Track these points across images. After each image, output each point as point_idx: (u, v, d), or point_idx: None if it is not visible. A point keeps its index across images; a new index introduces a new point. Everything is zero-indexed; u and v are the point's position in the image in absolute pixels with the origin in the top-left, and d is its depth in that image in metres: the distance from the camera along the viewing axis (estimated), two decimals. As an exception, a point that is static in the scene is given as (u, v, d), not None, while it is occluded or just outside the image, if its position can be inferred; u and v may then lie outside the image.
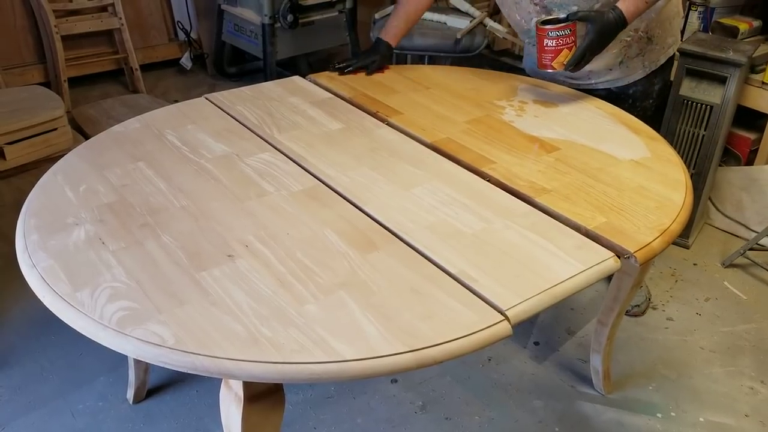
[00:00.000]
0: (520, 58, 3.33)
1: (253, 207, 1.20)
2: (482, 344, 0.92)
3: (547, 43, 1.52)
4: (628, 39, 1.68)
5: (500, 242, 1.11)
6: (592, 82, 1.77)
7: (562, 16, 1.52)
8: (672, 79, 1.87)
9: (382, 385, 1.77)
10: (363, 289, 0.99)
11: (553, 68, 1.54)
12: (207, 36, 3.68)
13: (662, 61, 1.75)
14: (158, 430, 1.63)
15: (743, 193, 2.42)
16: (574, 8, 1.58)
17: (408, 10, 1.85)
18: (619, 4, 1.50)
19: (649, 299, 2.03)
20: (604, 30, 1.49)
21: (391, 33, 1.85)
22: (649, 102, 1.79)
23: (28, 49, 3.26)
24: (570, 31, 1.50)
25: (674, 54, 1.80)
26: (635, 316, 2.01)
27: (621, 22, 1.50)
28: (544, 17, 1.54)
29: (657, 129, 1.71)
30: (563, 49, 1.51)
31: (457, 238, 1.12)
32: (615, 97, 1.72)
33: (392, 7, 2.83)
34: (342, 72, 1.81)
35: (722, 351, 1.93)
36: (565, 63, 1.52)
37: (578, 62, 1.51)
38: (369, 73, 1.81)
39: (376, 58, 1.83)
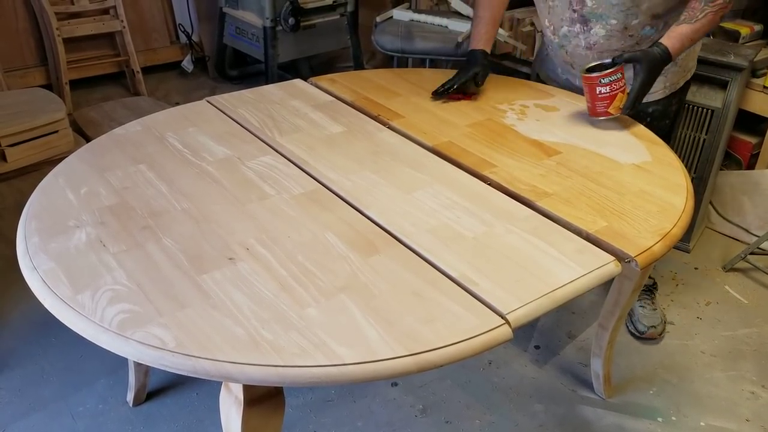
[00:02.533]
0: (521, 61, 3.33)
1: (254, 210, 1.20)
2: (483, 348, 0.91)
3: (600, 91, 1.48)
4: None
5: (501, 246, 1.11)
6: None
7: (607, 61, 1.49)
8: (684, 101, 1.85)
9: (382, 388, 1.77)
10: (364, 292, 0.99)
11: (609, 114, 1.50)
12: (208, 39, 3.69)
13: (681, 84, 1.74)
14: (158, 432, 1.63)
15: (744, 197, 2.42)
16: (613, 21, 1.56)
17: (493, 13, 1.74)
18: (664, 41, 1.47)
19: (665, 322, 2.00)
20: (653, 68, 1.46)
21: (482, 40, 1.73)
22: (665, 122, 1.76)
23: (30, 52, 3.26)
24: (621, 74, 1.46)
25: (691, 79, 1.79)
26: (651, 338, 1.95)
27: (667, 60, 1.47)
28: (588, 65, 1.51)
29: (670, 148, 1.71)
30: (617, 93, 1.47)
31: (458, 242, 1.12)
32: (634, 115, 1.69)
33: (394, 10, 2.84)
34: (447, 93, 1.67)
35: (723, 355, 1.93)
36: (621, 107, 1.49)
37: (634, 105, 1.48)
38: (479, 85, 1.70)
39: (479, 69, 1.69)
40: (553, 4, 1.67)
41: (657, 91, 1.70)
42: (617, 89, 1.47)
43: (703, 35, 1.52)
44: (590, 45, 1.64)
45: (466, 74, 1.69)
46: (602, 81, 1.47)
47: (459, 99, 1.70)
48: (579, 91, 1.75)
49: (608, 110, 1.50)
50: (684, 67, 1.72)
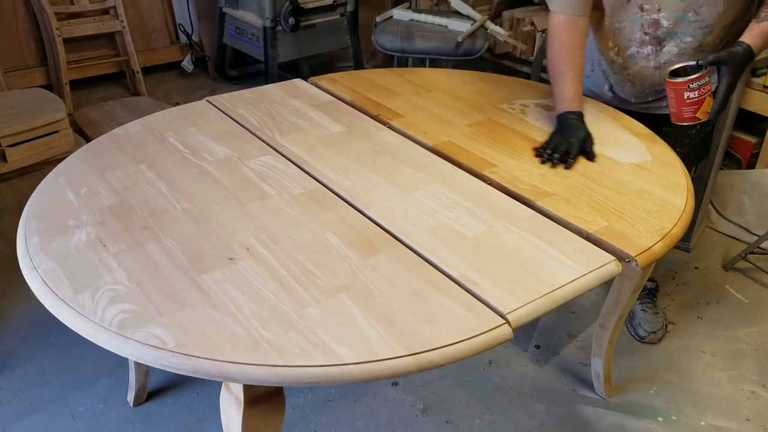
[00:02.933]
0: (521, 61, 3.33)
1: (254, 210, 1.20)
2: (483, 348, 0.92)
3: (688, 96, 1.41)
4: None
5: (501, 246, 1.11)
6: (663, 105, 1.66)
7: (692, 63, 1.41)
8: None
9: (382, 388, 1.77)
10: (364, 292, 0.99)
11: (697, 120, 1.44)
12: (208, 39, 3.69)
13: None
14: (159, 432, 1.63)
15: (744, 196, 2.42)
16: (689, 38, 1.51)
17: (575, 68, 1.53)
18: (746, 39, 1.43)
19: (666, 326, 2.00)
20: (738, 69, 1.42)
21: (576, 101, 1.52)
22: (708, 128, 1.73)
23: (30, 52, 3.26)
24: (708, 78, 1.41)
25: None
26: (652, 343, 1.95)
27: (750, 58, 1.42)
28: (671, 68, 1.44)
29: (708, 153, 1.69)
30: (705, 98, 1.41)
31: (459, 242, 1.12)
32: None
33: (394, 10, 2.84)
34: (568, 165, 1.39)
35: (723, 355, 1.92)
36: (709, 111, 1.43)
37: (722, 108, 1.43)
38: (592, 159, 1.43)
39: (585, 132, 1.47)
40: (620, 25, 1.58)
41: None
42: (705, 93, 1.41)
43: None
44: (659, 64, 1.57)
45: (578, 139, 1.43)
46: (691, 86, 1.40)
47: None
48: (624, 108, 1.69)
49: (696, 115, 1.43)
50: None
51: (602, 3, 1.56)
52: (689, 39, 1.51)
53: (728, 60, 1.40)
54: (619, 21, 1.57)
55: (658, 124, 1.64)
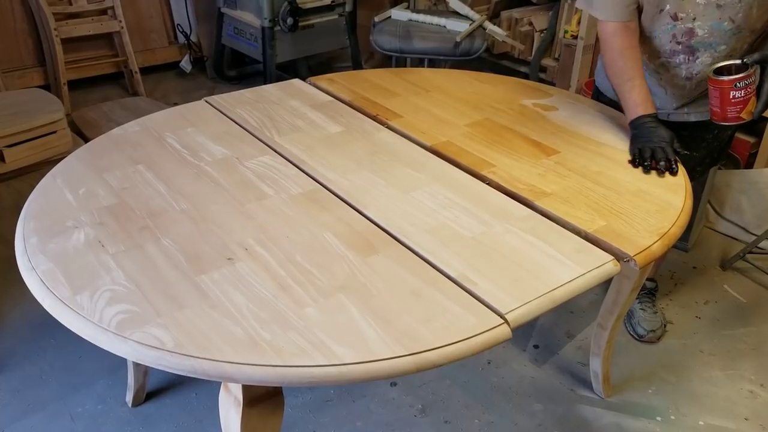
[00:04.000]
0: (519, 61, 3.33)
1: (252, 210, 1.20)
2: (482, 348, 0.92)
3: (734, 95, 1.40)
4: None
5: (500, 246, 1.11)
6: (685, 111, 1.66)
7: (736, 62, 1.40)
8: None
9: (381, 388, 1.77)
10: (362, 292, 0.99)
11: (741, 119, 1.43)
12: (207, 39, 3.69)
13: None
14: (157, 433, 1.63)
15: (742, 196, 2.42)
16: (723, 47, 1.48)
17: (638, 71, 1.50)
18: None
19: (664, 325, 2.00)
20: None
21: (648, 103, 1.49)
22: (727, 133, 1.73)
23: (28, 52, 3.26)
24: (754, 78, 1.39)
25: None
26: (650, 342, 1.96)
27: None
28: (715, 66, 1.42)
29: (723, 157, 1.70)
30: (751, 97, 1.40)
31: (457, 242, 1.12)
32: (704, 126, 1.64)
33: (392, 10, 2.84)
34: (673, 172, 1.37)
35: (722, 354, 1.93)
36: (753, 111, 1.42)
37: (765, 108, 1.41)
38: (680, 152, 1.43)
39: (668, 133, 1.44)
40: (651, 35, 1.55)
41: None
42: (750, 94, 1.40)
43: None
44: (691, 75, 1.56)
45: (668, 142, 1.42)
46: (737, 85, 1.39)
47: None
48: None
49: (740, 115, 1.43)
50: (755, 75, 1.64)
51: (639, 10, 1.52)
52: (723, 47, 1.49)
53: None
54: (651, 31, 1.54)
55: (676, 129, 1.60)
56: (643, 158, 1.39)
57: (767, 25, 1.49)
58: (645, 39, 1.57)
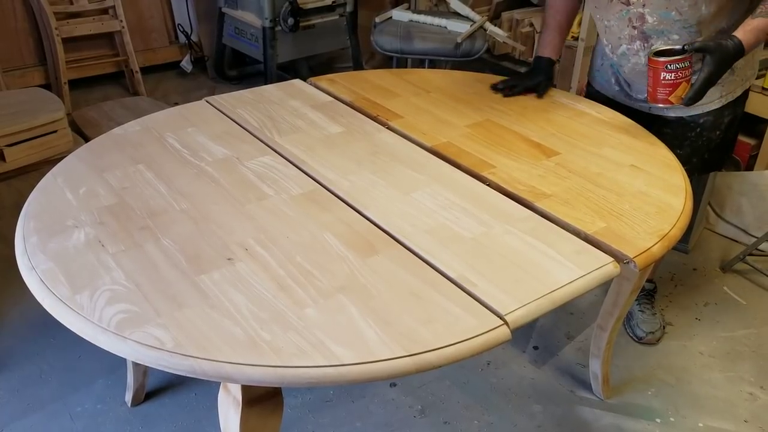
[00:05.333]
0: (520, 62, 3.33)
1: (252, 210, 1.20)
2: (481, 349, 0.92)
3: (664, 77, 1.42)
4: None
5: (500, 247, 1.11)
6: (664, 107, 1.65)
7: (677, 47, 1.42)
8: (742, 113, 1.76)
9: (381, 389, 1.77)
10: (362, 293, 0.99)
11: (669, 103, 1.45)
12: (207, 39, 3.69)
13: (738, 93, 1.67)
14: (157, 433, 1.63)
15: (743, 198, 2.42)
16: (675, 36, 1.51)
17: (560, 20, 1.75)
18: (738, 34, 1.41)
19: (664, 327, 2.00)
20: (723, 61, 1.40)
21: (549, 48, 1.75)
22: (716, 134, 1.70)
23: (29, 51, 3.26)
24: (688, 63, 1.41)
25: (749, 87, 1.72)
26: (649, 344, 1.96)
27: (739, 53, 1.41)
28: (656, 48, 1.45)
29: (721, 161, 1.72)
30: (681, 82, 1.42)
31: (457, 243, 1.12)
32: (684, 124, 1.65)
33: (393, 10, 2.84)
34: (506, 95, 1.72)
35: (721, 356, 1.93)
36: (683, 97, 1.43)
37: (697, 97, 1.42)
38: (541, 95, 1.72)
39: (542, 78, 1.73)
40: (609, 24, 1.61)
41: (713, 101, 1.63)
42: (682, 78, 1.42)
43: None
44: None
45: (531, 81, 1.72)
46: (668, 67, 1.41)
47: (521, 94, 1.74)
48: (629, 104, 1.71)
49: (669, 98, 1.44)
50: (742, 76, 1.65)
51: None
52: (676, 37, 1.52)
53: (714, 50, 1.39)
54: (608, 19, 1.60)
55: (659, 125, 1.63)
56: (505, 82, 1.73)
57: (722, 23, 1.51)
58: (604, 29, 1.65)
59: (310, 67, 3.67)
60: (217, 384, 1.00)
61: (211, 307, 0.95)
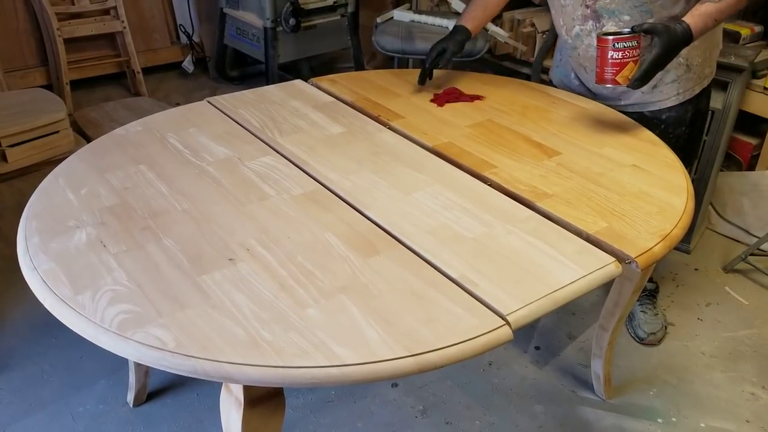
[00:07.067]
0: (521, 62, 3.33)
1: (254, 210, 1.20)
2: (483, 349, 0.91)
3: (612, 56, 1.41)
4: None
5: (501, 247, 1.11)
6: (622, 103, 1.71)
7: (626, 30, 1.42)
8: (708, 108, 1.77)
9: (382, 389, 1.77)
10: (364, 293, 0.99)
11: (616, 83, 1.44)
12: (209, 39, 3.69)
13: (697, 91, 1.69)
14: (158, 433, 1.63)
15: (744, 198, 2.42)
16: (626, 17, 1.53)
17: (487, 2, 1.78)
18: (686, 19, 1.42)
19: (665, 327, 2.00)
20: (671, 44, 1.40)
21: (467, 17, 1.77)
22: (682, 129, 1.72)
23: (31, 52, 3.26)
24: (636, 43, 1.41)
25: (710, 84, 1.74)
26: (651, 344, 1.95)
27: (687, 38, 1.42)
28: (606, 29, 1.46)
29: (692, 157, 1.68)
30: (629, 62, 1.40)
31: (459, 243, 1.12)
32: (647, 121, 1.66)
33: (394, 11, 2.84)
34: (424, 76, 1.74)
35: (723, 356, 1.92)
36: (630, 77, 1.43)
37: (644, 77, 1.41)
38: (445, 62, 1.72)
39: (447, 44, 1.73)
40: (564, 2, 1.65)
41: (670, 98, 1.67)
42: (629, 57, 1.41)
43: (727, 16, 1.46)
44: None
45: (435, 49, 1.72)
46: (616, 45, 1.40)
47: (457, 100, 1.69)
48: (593, 96, 1.73)
49: (616, 78, 1.43)
50: (699, 74, 1.67)
51: None
52: (627, 17, 1.53)
53: (662, 32, 1.39)
54: None
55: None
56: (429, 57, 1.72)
57: (676, 9, 1.52)
58: (560, 9, 1.68)
59: (311, 67, 3.67)
60: (219, 384, 1.00)
61: (212, 308, 0.95)
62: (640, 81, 1.42)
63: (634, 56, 1.41)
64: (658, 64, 1.41)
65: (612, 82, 1.44)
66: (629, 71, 1.42)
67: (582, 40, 1.66)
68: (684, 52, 1.57)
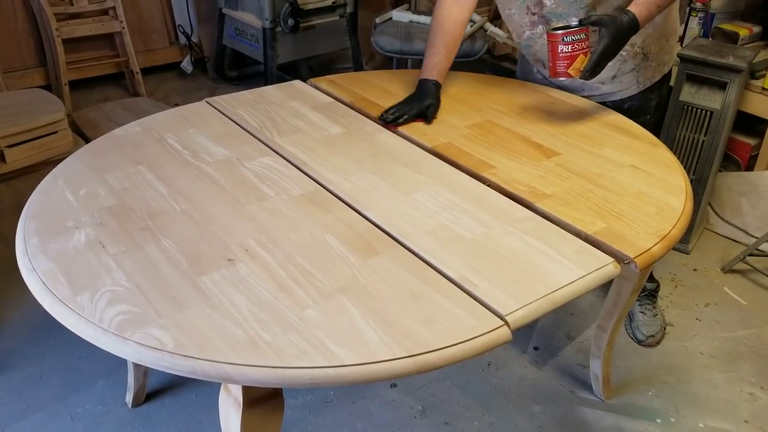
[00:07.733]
0: (520, 63, 3.32)
1: (253, 211, 1.20)
2: (482, 349, 0.92)
3: (561, 50, 1.44)
4: (624, 54, 1.64)
5: (500, 247, 1.11)
6: (585, 94, 1.75)
7: (574, 23, 1.45)
8: (670, 94, 1.83)
9: (381, 389, 1.77)
10: (363, 293, 0.99)
11: (569, 75, 1.47)
12: (208, 40, 3.69)
13: (657, 78, 1.72)
14: (157, 434, 1.63)
15: (743, 198, 2.42)
16: (575, 20, 1.53)
17: (446, 40, 1.67)
18: (631, 8, 1.45)
19: (664, 328, 2.00)
20: (619, 34, 1.43)
21: (435, 70, 1.65)
22: (647, 117, 1.75)
23: (29, 52, 3.26)
24: (585, 35, 1.44)
25: (670, 71, 1.77)
26: (650, 346, 1.96)
27: (634, 26, 1.45)
28: (554, 24, 1.49)
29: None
30: (579, 54, 1.44)
31: (458, 243, 1.12)
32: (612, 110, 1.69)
33: (393, 11, 2.84)
34: (397, 125, 1.54)
35: (722, 356, 1.93)
36: (581, 69, 1.45)
37: (595, 68, 1.45)
38: (429, 121, 1.57)
39: (432, 101, 1.60)
40: (510, 12, 1.68)
41: (630, 87, 1.71)
42: (579, 50, 1.44)
43: (671, 2, 1.50)
44: None
45: (419, 106, 1.58)
46: (564, 39, 1.43)
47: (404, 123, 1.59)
48: (557, 89, 1.75)
49: (568, 71, 1.46)
50: (658, 61, 1.70)
51: None
52: (575, 20, 1.53)
53: (609, 23, 1.43)
54: (509, 8, 1.67)
55: None
56: (389, 110, 1.57)
57: (619, 1, 1.55)
58: (508, 17, 1.71)
59: (310, 67, 3.67)
60: (218, 385, 1.00)
61: (211, 308, 0.95)
62: (591, 72, 1.45)
63: (583, 48, 1.45)
64: (608, 54, 1.45)
65: (565, 75, 1.48)
66: (580, 63, 1.45)
67: (535, 41, 1.69)
68: (639, 41, 1.62)
